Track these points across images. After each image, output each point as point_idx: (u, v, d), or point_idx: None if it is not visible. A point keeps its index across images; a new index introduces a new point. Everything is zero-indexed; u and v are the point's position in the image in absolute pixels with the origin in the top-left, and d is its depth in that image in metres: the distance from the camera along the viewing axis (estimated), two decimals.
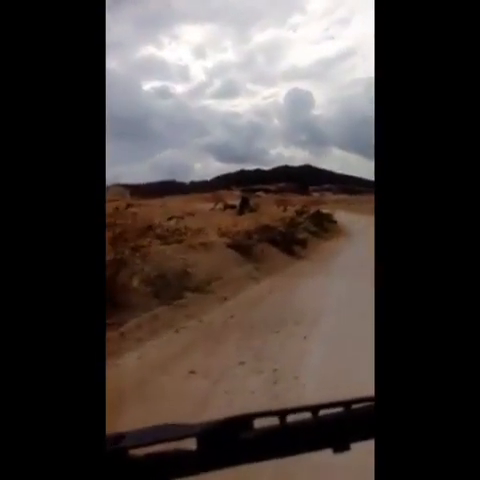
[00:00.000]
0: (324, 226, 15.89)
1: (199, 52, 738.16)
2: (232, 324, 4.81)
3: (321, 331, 4.45)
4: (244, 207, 21.97)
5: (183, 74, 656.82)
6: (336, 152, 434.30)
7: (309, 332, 4.39)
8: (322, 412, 0.48)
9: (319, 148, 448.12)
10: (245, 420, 0.46)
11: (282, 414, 0.47)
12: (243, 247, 8.42)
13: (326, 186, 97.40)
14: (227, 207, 22.47)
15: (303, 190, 74.69)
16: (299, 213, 16.74)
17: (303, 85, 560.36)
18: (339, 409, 0.49)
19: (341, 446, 0.48)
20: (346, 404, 0.49)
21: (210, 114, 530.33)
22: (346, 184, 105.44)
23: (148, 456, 0.44)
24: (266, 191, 58.43)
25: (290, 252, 10.13)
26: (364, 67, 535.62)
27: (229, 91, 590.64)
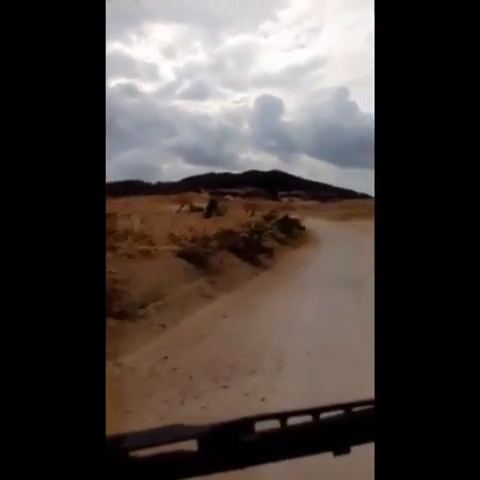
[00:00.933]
0: (293, 233, 14.48)
1: (169, 51, 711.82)
2: (163, 371, 3.41)
3: (285, 388, 3.11)
4: (212, 210, 21.70)
5: (152, 73, 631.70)
6: (305, 159, 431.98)
7: (269, 388, 3.06)
8: (323, 415, 0.48)
9: (288, 154, 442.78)
10: (246, 423, 0.46)
11: (283, 417, 0.48)
12: (197, 256, 7.03)
13: (295, 192, 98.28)
14: (194, 209, 21.86)
15: (272, 195, 74.81)
16: (267, 218, 15.72)
17: (273, 91, 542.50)
18: (339, 412, 0.49)
19: (341, 449, 0.48)
20: (346, 407, 0.49)
21: (179, 115, 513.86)
22: (315, 190, 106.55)
23: (149, 457, 0.44)
24: (234, 195, 57.87)
25: (254, 262, 8.85)
26: (333, 77, 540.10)
27: (199, 93, 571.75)
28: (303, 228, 16.31)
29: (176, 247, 7.16)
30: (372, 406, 0.47)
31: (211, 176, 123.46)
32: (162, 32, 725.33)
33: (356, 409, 0.48)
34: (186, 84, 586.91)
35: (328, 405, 0.48)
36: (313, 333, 4.38)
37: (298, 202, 60.90)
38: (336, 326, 4.58)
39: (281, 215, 16.70)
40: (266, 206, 29.42)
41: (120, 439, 0.43)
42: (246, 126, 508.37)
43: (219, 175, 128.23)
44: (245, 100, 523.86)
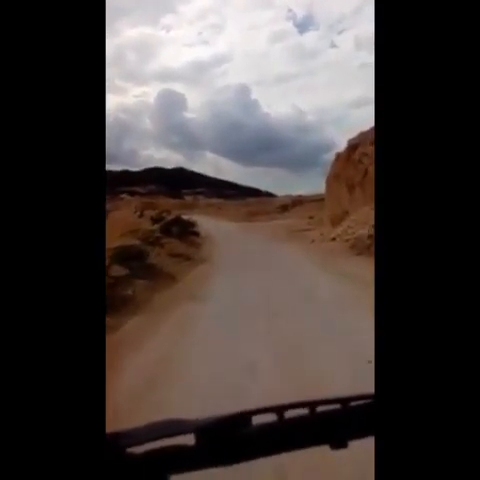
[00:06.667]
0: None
1: None
2: None
3: None
4: None
5: None
6: (209, 156, 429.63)
7: None
8: (319, 409, 0.49)
9: (192, 151, 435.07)
10: (243, 417, 0.47)
11: (280, 410, 0.48)
12: None
13: (199, 190, 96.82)
14: None
15: (175, 193, 71.97)
16: (155, 220, 12.73)
17: (175, 86, 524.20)
18: (336, 406, 0.49)
19: (338, 443, 0.48)
20: (344, 401, 0.49)
21: None
22: (219, 188, 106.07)
23: (147, 452, 0.44)
24: (133, 194, 53.86)
25: None
26: (235, 74, 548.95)
27: None
28: (197, 234, 13.47)
29: None
30: (370, 400, 0.47)
31: (108, 174, 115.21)
32: None
33: (354, 403, 0.49)
34: None
35: (325, 399, 0.49)
36: None
37: (202, 200, 58.88)
38: None
39: (173, 215, 13.88)
40: (166, 205, 26.58)
41: (118, 435, 0.44)
42: (147, 121, 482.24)
43: (116, 173, 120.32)
44: (146, 94, 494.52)
